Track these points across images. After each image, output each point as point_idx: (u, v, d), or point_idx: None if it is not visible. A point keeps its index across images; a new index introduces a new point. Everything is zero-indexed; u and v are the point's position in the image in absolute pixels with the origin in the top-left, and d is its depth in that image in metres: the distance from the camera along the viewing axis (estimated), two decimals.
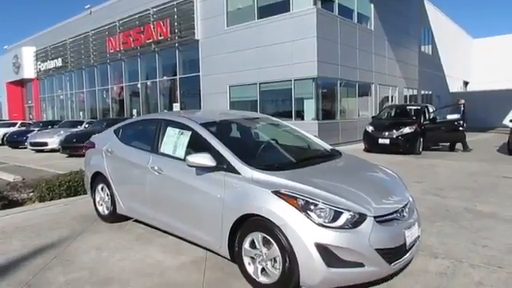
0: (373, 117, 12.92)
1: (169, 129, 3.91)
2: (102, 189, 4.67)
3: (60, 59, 26.22)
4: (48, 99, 29.72)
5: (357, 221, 2.64)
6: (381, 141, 10.84)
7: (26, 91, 33.59)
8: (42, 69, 28.62)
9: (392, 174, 3.64)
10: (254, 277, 2.89)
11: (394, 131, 10.81)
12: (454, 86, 28.22)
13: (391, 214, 2.85)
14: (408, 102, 18.35)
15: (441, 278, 3.03)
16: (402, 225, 2.85)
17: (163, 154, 3.83)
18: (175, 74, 17.77)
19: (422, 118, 11.34)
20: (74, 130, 15.01)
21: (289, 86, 13.15)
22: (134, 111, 20.46)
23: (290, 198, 2.71)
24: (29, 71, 29.85)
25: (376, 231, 2.65)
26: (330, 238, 2.56)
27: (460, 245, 3.74)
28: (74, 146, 12.28)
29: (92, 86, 23.85)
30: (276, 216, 2.70)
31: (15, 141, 17.31)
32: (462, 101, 11.20)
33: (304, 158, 3.67)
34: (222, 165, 3.19)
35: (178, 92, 17.70)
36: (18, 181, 7.68)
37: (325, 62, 12.68)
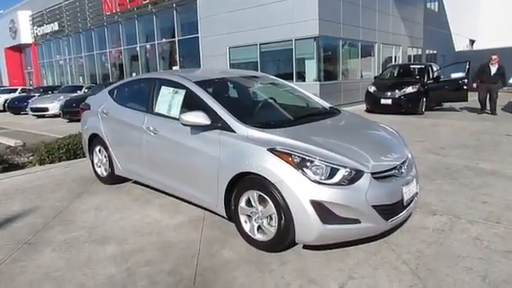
0: (375, 77, 12.64)
1: (163, 88, 3.80)
2: (99, 151, 4.64)
3: (56, 23, 25.54)
4: (47, 65, 29.28)
5: (353, 177, 2.60)
6: (383, 101, 10.66)
7: (24, 57, 33.08)
8: (39, 33, 27.99)
9: (392, 131, 3.56)
10: (250, 234, 2.90)
11: (397, 91, 10.59)
12: (460, 45, 27.39)
13: (389, 170, 2.80)
14: (412, 62, 17.87)
15: (438, 234, 3.03)
16: (399, 181, 2.81)
17: (158, 114, 3.75)
18: (174, 36, 17.30)
19: (426, 78, 11.06)
20: (74, 95, 14.87)
21: (290, 46, 12.78)
22: (134, 75, 20.17)
23: (285, 156, 2.66)
24: (26, 36, 29.23)
25: (373, 188, 2.61)
26: (325, 194, 2.53)
27: (459, 202, 3.73)
28: (73, 111, 12.16)
29: (90, 50, 23.38)
30: (271, 173, 2.66)
31: (16, 107, 17.25)
32: (495, 56, 10.10)
33: (302, 115, 3.58)
34: (217, 123, 3.11)
35: (178, 55, 17.32)
36: (18, 145, 7.70)
37: (326, 20, 12.22)
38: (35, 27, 28.20)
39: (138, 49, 19.60)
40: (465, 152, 5.84)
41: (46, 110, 14.43)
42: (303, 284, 2.41)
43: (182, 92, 3.58)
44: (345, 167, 2.61)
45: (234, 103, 3.60)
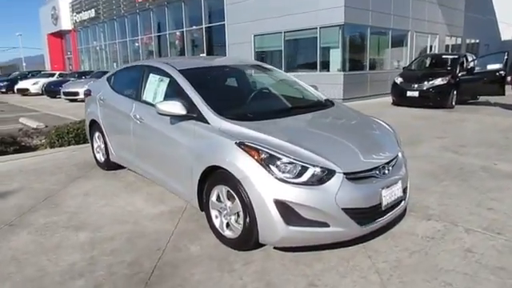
0: (404, 67, 11.96)
1: (151, 75, 3.73)
2: (98, 137, 4.68)
3: (93, 10, 26.36)
4: (85, 50, 30.37)
5: (323, 177, 2.39)
6: (409, 93, 10.06)
7: (65, 42, 34.53)
8: (77, 20, 29.02)
9: (385, 127, 3.28)
10: (220, 230, 2.78)
11: (425, 83, 9.93)
12: (508, 33, 25.38)
13: (367, 170, 2.55)
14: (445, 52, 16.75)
15: (426, 243, 2.76)
16: (379, 183, 2.55)
17: (145, 102, 3.68)
18: (201, 24, 17.27)
19: (458, 69, 10.29)
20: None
21: (314, 34, 12.34)
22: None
23: (252, 151, 2.49)
24: (66, 22, 30.44)
25: (345, 189, 2.39)
26: (290, 194, 2.34)
27: (461, 206, 3.40)
28: None
29: (124, 36, 23.94)
30: (237, 169, 2.50)
31: (52, 90, 18.09)
32: None
33: (286, 107, 3.39)
34: (193, 113, 2.99)
35: (205, 42, 17.31)
36: (40, 127, 7.99)
37: (353, 7, 11.66)
38: (74, 14, 29.25)
39: (167, 36, 19.81)
40: (487, 151, 5.36)
41: (77, 94, 14.95)
42: (259, 287, 2.26)
43: (167, 80, 3.48)
44: (314, 166, 2.40)
45: (217, 93, 3.45)
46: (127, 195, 3.86)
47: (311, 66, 12.63)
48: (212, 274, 2.42)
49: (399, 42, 14.56)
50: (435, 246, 2.71)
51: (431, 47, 16.31)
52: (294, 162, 2.41)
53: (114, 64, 26.00)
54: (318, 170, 2.40)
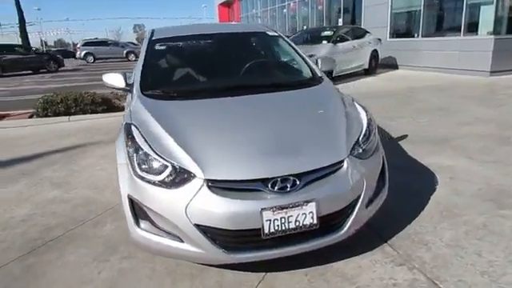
0: None
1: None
2: None
3: None
4: (245, 18, 32.61)
5: (178, 179, 1.92)
6: None
7: (232, 12, 37.84)
8: None
9: (357, 120, 2.37)
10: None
11: None
12: None
13: (248, 181, 1.89)
14: None
15: None
16: (261, 201, 1.86)
17: None
18: None
19: None
20: None
21: None
22: (304, 28, 20.10)
23: (129, 137, 2.20)
24: None
25: (201, 200, 1.85)
26: (141, 194, 1.97)
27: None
28: None
29: (274, 3, 24.52)
30: (117, 152, 2.26)
31: None
32: None
33: (241, 85, 2.81)
34: (132, 88, 2.83)
35: (342, 5, 16.01)
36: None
37: None
38: None
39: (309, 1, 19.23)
40: None
41: None
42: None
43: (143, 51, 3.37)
44: (173, 165, 1.95)
45: (167, 66, 3.13)
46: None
47: (454, 30, 10.14)
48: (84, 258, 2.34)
49: None
50: None
51: None
52: (155, 157, 2.01)
53: None
54: (173, 169, 1.94)
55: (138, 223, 2.02)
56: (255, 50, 3.61)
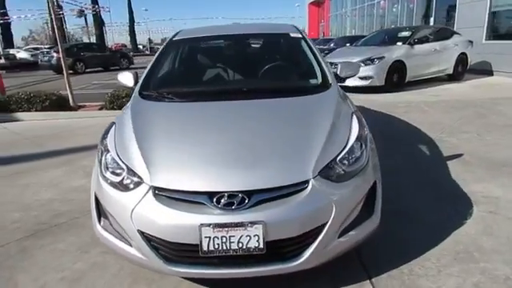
0: None
1: None
2: None
3: None
4: (333, 17, 31.83)
5: (131, 183, 1.91)
6: None
7: (321, 11, 37.23)
8: None
9: (343, 136, 2.09)
10: None
11: None
12: None
13: (192, 193, 1.78)
14: None
15: None
16: (201, 216, 1.73)
17: None
18: None
19: None
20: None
21: None
22: (392, 26, 18.80)
23: (103, 137, 2.29)
24: None
25: (146, 207, 1.81)
26: (102, 193, 2.01)
27: None
28: None
29: (361, 2, 23.39)
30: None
31: None
32: None
33: (229, 89, 2.76)
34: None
35: (434, 3, 14.52)
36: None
37: None
38: None
39: None
40: None
41: None
42: None
43: None
44: (128, 167, 1.96)
45: (182, 67, 3.11)
46: None
47: None
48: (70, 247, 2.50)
49: None
50: None
51: None
52: (114, 157, 2.06)
53: (353, 30, 26.00)
54: (127, 172, 1.94)
55: (99, 220, 2.07)
56: (270, 52, 3.44)
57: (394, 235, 2.48)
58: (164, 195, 1.81)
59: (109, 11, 45.34)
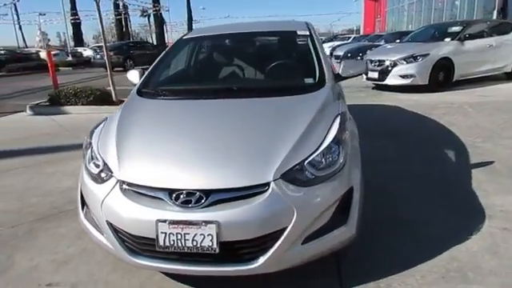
0: None
1: None
2: None
3: None
4: (389, 12, 30.46)
5: (104, 176, 2.01)
6: None
7: (377, 6, 35.78)
8: None
9: (318, 138, 2.00)
10: None
11: None
12: None
13: (151, 188, 1.83)
14: None
15: None
16: (157, 212, 1.77)
17: None
18: None
19: None
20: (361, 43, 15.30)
21: None
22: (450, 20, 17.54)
23: (92, 131, 2.42)
24: None
25: (113, 199, 1.89)
26: (84, 183, 2.13)
27: None
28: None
29: None
30: None
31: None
32: None
33: (220, 88, 2.78)
34: None
35: None
36: None
37: None
38: None
39: None
40: None
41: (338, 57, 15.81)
42: None
43: None
44: (103, 160, 2.07)
45: (190, 65, 3.14)
46: None
47: None
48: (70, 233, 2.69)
49: None
50: None
51: None
52: (94, 149, 2.19)
53: (410, 26, 24.64)
54: (102, 165, 2.05)
55: (82, 209, 2.20)
56: (270, 51, 3.38)
57: (385, 245, 2.33)
58: (129, 189, 1.88)
59: (168, 10, 47.18)
